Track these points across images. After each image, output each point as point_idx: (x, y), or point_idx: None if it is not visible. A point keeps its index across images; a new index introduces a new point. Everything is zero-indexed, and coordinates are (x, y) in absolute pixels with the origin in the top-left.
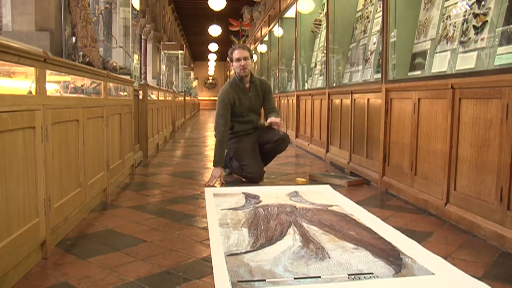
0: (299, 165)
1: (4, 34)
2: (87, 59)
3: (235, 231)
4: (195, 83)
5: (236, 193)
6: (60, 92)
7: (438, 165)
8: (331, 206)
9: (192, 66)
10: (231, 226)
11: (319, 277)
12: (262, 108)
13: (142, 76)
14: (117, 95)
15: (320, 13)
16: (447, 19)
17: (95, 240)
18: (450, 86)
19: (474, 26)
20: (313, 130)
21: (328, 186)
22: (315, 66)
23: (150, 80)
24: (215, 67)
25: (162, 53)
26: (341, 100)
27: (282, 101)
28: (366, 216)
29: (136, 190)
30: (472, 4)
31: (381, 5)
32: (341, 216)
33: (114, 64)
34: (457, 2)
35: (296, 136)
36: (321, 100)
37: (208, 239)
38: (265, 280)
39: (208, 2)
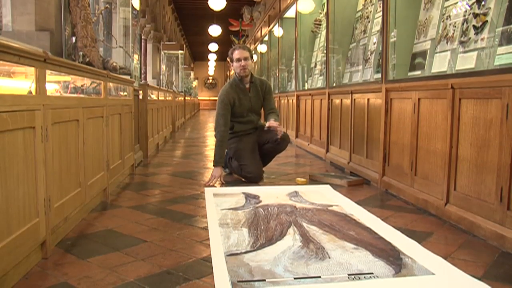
0: (299, 165)
1: (4, 34)
2: (87, 59)
3: (235, 231)
4: (195, 83)
5: (236, 193)
6: (60, 92)
7: (438, 165)
8: (331, 206)
9: (192, 66)
10: (231, 226)
11: (319, 277)
12: (262, 109)
13: (142, 76)
14: (117, 95)
15: (320, 13)
16: (447, 19)
17: (95, 240)
18: (450, 86)
19: (474, 26)
20: (313, 130)
21: (328, 186)
22: (315, 66)
23: (150, 80)
24: (215, 67)
25: (162, 53)
26: (341, 100)
27: (282, 101)
28: (366, 216)
29: (136, 190)
30: (472, 4)
31: (381, 5)
32: (341, 216)
33: (114, 64)
34: (457, 2)
35: (296, 136)
36: (321, 100)
37: (208, 239)
38: (265, 280)
39: (208, 2)
